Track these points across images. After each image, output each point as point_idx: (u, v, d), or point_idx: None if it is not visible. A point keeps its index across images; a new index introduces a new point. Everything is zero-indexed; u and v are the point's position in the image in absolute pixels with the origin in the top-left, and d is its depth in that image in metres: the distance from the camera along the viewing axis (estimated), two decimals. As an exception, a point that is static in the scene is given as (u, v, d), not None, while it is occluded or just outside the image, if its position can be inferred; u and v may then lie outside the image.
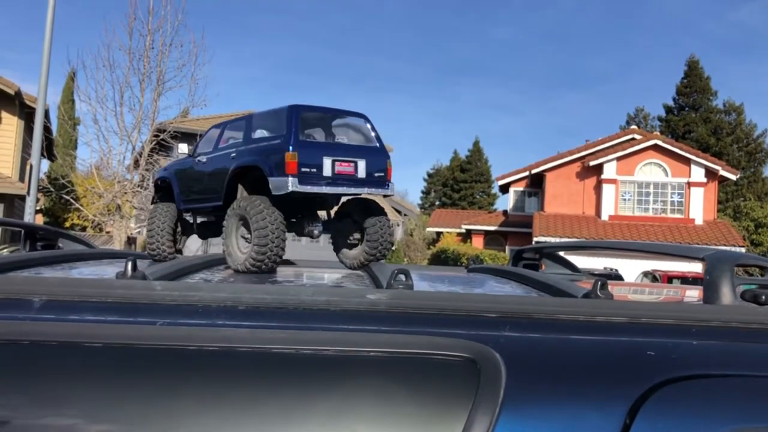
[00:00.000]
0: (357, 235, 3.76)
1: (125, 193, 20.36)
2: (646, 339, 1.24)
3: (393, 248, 3.67)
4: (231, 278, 1.82)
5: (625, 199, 31.37)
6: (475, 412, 1.08)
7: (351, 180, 3.56)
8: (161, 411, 1.07)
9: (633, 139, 32.43)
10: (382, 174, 3.66)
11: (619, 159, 31.10)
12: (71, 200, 21.43)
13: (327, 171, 3.50)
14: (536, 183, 34.59)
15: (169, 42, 20.59)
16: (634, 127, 40.01)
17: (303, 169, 3.43)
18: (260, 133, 3.90)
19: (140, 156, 20.57)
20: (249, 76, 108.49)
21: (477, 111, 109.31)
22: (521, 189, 36.18)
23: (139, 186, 20.94)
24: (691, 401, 1.12)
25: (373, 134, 3.80)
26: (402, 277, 1.42)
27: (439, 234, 41.82)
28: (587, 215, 31.67)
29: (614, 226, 30.08)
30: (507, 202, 37.18)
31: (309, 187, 3.42)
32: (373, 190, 3.63)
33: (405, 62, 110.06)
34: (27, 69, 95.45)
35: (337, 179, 3.52)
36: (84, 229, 29.05)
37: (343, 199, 3.99)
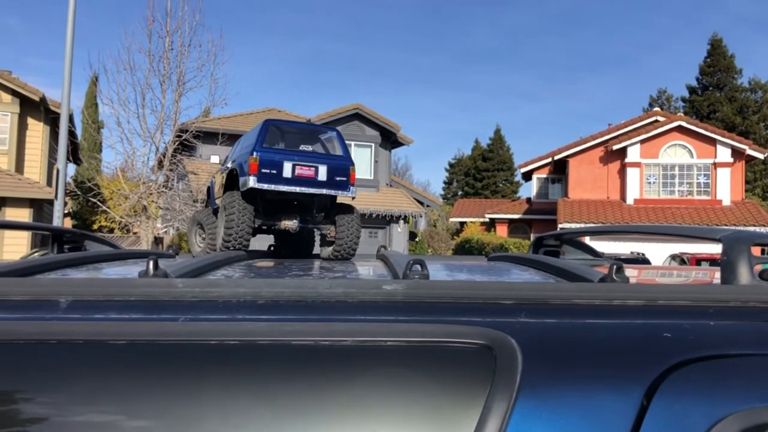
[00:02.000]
0: (333, 234, 4.61)
1: (150, 193, 20.62)
2: (662, 321, 1.24)
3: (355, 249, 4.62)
4: (251, 273, 1.85)
5: (650, 183, 30.99)
6: (492, 398, 1.09)
7: (310, 181, 4.47)
8: (185, 404, 1.10)
9: (656, 121, 32.00)
10: (344, 178, 4.56)
11: (642, 142, 30.72)
12: (98, 203, 21.75)
13: (287, 173, 4.42)
14: (559, 169, 34.32)
15: (187, 42, 20.83)
16: (657, 109, 39.44)
17: (263, 170, 4.36)
18: (245, 143, 4.80)
19: (164, 157, 20.81)
20: (269, 73, 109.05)
21: (497, 99, 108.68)
22: (544, 176, 35.91)
23: (163, 186, 21.19)
24: (707, 381, 1.13)
25: (340, 146, 4.72)
26: (418, 267, 1.44)
27: (462, 224, 41.71)
28: (612, 200, 31.36)
29: (640, 210, 29.75)
30: (530, 189, 36.95)
31: (266, 185, 4.35)
32: (333, 191, 4.52)
33: (423, 53, 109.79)
34: (51, 75, 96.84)
35: (296, 180, 4.44)
36: (111, 230, 29.49)
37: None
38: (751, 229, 18.89)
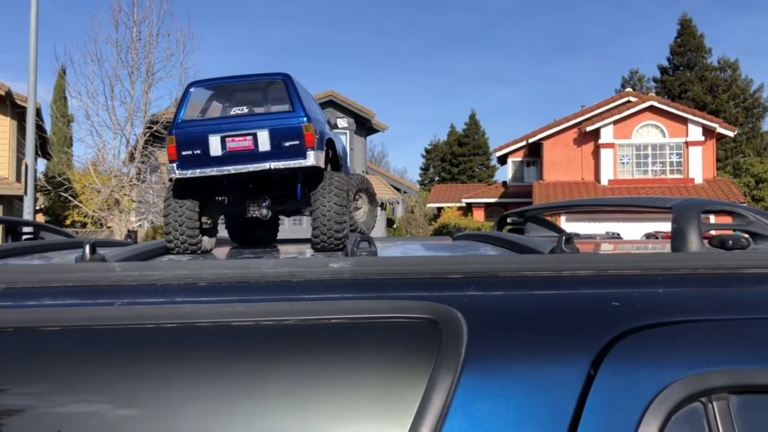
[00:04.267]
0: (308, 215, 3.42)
1: (123, 187, 20.34)
2: (611, 290, 1.23)
3: (342, 234, 3.12)
4: (200, 257, 1.82)
5: (623, 163, 31.27)
6: (437, 373, 1.07)
7: (248, 155, 3.26)
8: (120, 389, 1.07)
9: (629, 101, 32.24)
10: (296, 142, 3.25)
11: (615, 123, 30.94)
12: (70, 198, 21.43)
13: (215, 150, 3.25)
14: (534, 152, 34.48)
15: (155, 32, 20.50)
16: (629, 89, 39.79)
17: (184, 153, 3.25)
18: None
19: (135, 149, 20.52)
20: (241, 60, 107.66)
21: (472, 84, 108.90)
22: (519, 159, 36.07)
23: (136, 179, 20.92)
24: (655, 348, 1.12)
25: (289, 98, 3.39)
26: (365, 244, 1.41)
27: (440, 209, 41.80)
28: (586, 181, 31.61)
29: (614, 191, 30.02)
30: (506, 173, 37.11)
31: (191, 171, 3.24)
32: (282, 162, 3.26)
33: (397, 38, 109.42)
34: (17, 69, 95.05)
35: (229, 157, 3.26)
36: (84, 225, 29.09)
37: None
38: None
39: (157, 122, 20.61)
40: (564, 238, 1.37)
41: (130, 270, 1.24)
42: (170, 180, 3.34)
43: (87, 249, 1.32)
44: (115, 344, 1.11)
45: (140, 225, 23.62)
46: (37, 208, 32.74)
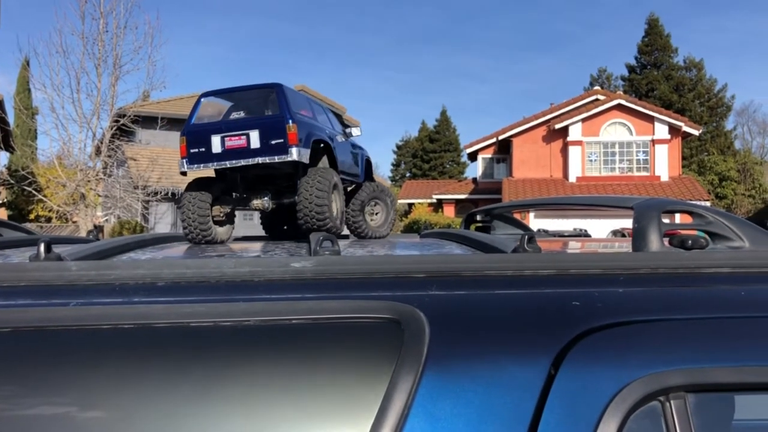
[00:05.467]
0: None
1: (89, 181, 19.99)
2: (572, 290, 1.24)
3: (324, 217, 3.77)
4: (161, 255, 1.78)
5: (591, 160, 31.67)
6: (398, 373, 1.06)
7: (242, 152, 3.91)
8: (75, 392, 1.04)
9: (597, 99, 32.65)
10: (281, 140, 3.85)
11: (583, 120, 31.33)
12: (34, 191, 20.99)
13: (216, 147, 3.95)
14: (504, 149, 34.73)
15: (123, 24, 20.16)
16: (597, 87, 40.20)
17: (192, 151, 3.99)
18: None
19: (101, 143, 20.18)
20: (212, 55, 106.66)
21: (443, 80, 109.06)
22: (489, 156, 36.31)
23: (102, 173, 20.57)
24: (614, 348, 1.12)
25: (278, 103, 4.02)
26: (328, 243, 1.40)
27: (410, 205, 41.87)
28: (555, 178, 31.95)
29: (582, 188, 30.40)
30: (476, 169, 37.31)
31: (196, 165, 3.98)
32: (268, 157, 3.87)
33: (369, 33, 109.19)
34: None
35: (227, 153, 3.94)
36: (49, 220, 28.55)
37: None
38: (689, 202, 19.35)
39: (124, 116, 20.30)
40: (526, 237, 1.38)
41: (86, 269, 1.21)
42: (181, 174, 4.08)
43: (42, 247, 1.28)
44: (69, 346, 1.08)
45: (106, 220, 23.19)
46: (1, 202, 32.07)
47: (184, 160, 3.99)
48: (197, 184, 3.94)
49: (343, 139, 4.79)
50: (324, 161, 4.29)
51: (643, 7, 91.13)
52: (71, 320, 1.10)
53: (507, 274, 1.28)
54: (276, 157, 3.84)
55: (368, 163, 5.11)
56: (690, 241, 1.36)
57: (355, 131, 5.05)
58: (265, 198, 4.12)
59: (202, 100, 4.26)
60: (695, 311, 1.21)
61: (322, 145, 4.21)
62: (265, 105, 4.20)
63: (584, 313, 1.17)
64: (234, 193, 4.21)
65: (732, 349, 1.15)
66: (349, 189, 4.69)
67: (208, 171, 4.11)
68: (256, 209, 4.17)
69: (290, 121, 3.86)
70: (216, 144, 3.94)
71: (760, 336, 1.18)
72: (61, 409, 1.04)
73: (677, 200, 1.61)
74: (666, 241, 1.42)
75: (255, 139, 3.89)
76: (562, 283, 1.26)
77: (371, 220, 4.46)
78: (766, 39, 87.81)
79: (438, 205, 38.30)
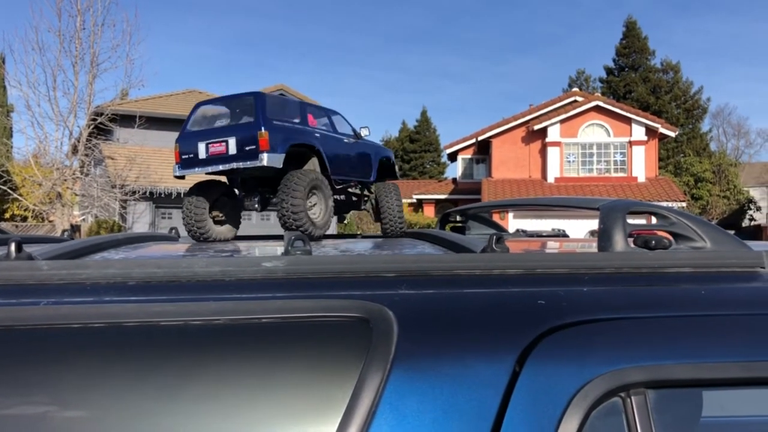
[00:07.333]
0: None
1: (65, 180, 19.75)
2: (539, 288, 1.26)
3: (299, 222, 3.97)
4: (133, 255, 1.78)
5: (569, 161, 31.94)
6: (366, 371, 1.08)
7: (222, 158, 4.23)
8: (44, 391, 1.05)
9: (575, 101, 32.93)
10: (253, 147, 4.13)
11: (562, 122, 31.59)
12: (9, 190, 20.70)
13: (202, 154, 4.27)
14: (483, 150, 34.91)
15: (101, 22, 19.96)
16: (576, 89, 40.56)
17: (183, 157, 4.35)
18: None
19: (78, 141, 19.95)
20: (193, 53, 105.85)
21: (423, 80, 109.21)
22: (469, 156, 36.47)
23: (79, 172, 20.34)
24: (577, 346, 1.15)
25: (255, 111, 4.29)
26: (300, 243, 1.41)
27: (390, 205, 41.85)
28: (534, 179, 32.17)
29: (560, 188, 30.65)
30: (456, 170, 37.46)
31: (186, 170, 4.36)
32: (241, 163, 4.18)
33: (349, 33, 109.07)
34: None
35: (210, 159, 4.26)
36: (25, 219, 28.18)
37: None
38: (665, 204, 19.76)
39: (102, 114, 20.08)
40: (494, 237, 1.40)
41: (57, 269, 1.22)
42: (175, 177, 4.43)
43: (12, 246, 1.28)
44: (39, 345, 1.09)
45: (83, 219, 22.94)
46: (-26, 201, 31.54)
47: (177, 165, 4.36)
48: (197, 188, 4.22)
49: (350, 141, 4.99)
50: (313, 163, 4.49)
51: (621, 10, 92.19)
52: (41, 319, 1.10)
53: (475, 273, 1.30)
54: (248, 163, 4.12)
55: (387, 163, 5.27)
56: (653, 242, 1.39)
57: (364, 131, 5.24)
58: (255, 199, 4.43)
59: (197, 109, 4.58)
60: (657, 310, 1.24)
61: (306, 148, 4.44)
62: (244, 113, 4.42)
63: (549, 311, 1.20)
64: (232, 196, 4.52)
65: (692, 346, 1.18)
66: (349, 189, 5.02)
67: (200, 175, 4.46)
68: (248, 210, 4.48)
69: (262, 128, 4.12)
70: (202, 150, 4.25)
71: (720, 333, 1.21)
72: (32, 409, 1.05)
73: (641, 201, 1.65)
74: (631, 241, 1.45)
75: (233, 145, 4.17)
76: (529, 282, 1.29)
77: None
78: (741, 42, 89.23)
79: (418, 206, 38.39)
